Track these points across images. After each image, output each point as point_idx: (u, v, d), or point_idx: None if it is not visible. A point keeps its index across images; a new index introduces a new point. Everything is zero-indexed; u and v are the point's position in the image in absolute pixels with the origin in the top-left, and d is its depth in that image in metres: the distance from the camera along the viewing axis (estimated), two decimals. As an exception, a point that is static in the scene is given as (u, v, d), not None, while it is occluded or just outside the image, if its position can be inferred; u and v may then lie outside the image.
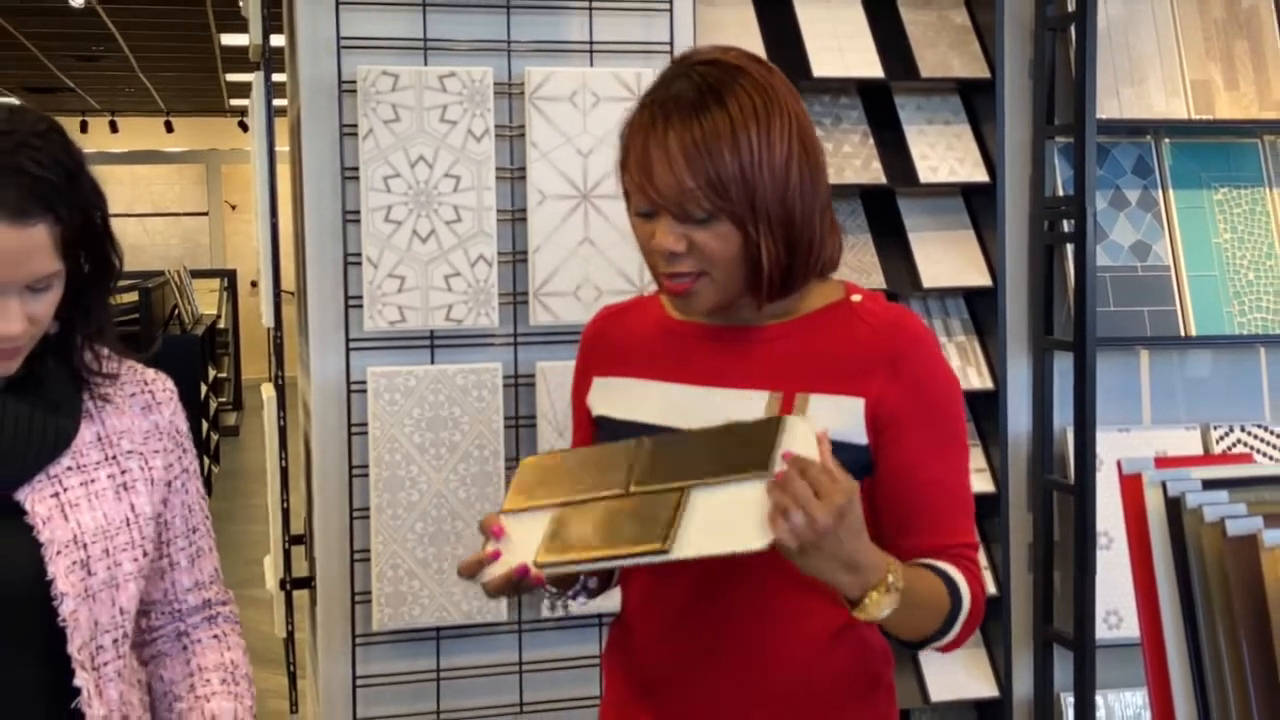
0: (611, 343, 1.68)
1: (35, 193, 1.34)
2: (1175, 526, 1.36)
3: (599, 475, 1.45)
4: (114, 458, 1.51)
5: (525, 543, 1.45)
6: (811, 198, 1.51)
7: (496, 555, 1.45)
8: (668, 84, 1.51)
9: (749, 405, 1.51)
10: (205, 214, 15.53)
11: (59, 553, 1.42)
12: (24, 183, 1.33)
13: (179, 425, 1.59)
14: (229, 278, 12.77)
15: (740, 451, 1.36)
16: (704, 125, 1.45)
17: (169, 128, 14.71)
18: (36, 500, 1.43)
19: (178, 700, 1.58)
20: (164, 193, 15.06)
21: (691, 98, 1.47)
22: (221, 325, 11.92)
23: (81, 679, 1.43)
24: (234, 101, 13.95)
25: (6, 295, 1.36)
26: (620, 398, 1.62)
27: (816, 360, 1.53)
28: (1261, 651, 1.25)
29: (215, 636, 1.63)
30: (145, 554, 1.52)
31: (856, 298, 1.58)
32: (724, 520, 1.34)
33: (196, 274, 12.43)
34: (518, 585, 1.43)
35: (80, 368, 1.50)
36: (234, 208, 15.49)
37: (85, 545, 1.44)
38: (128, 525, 1.49)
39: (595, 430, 1.64)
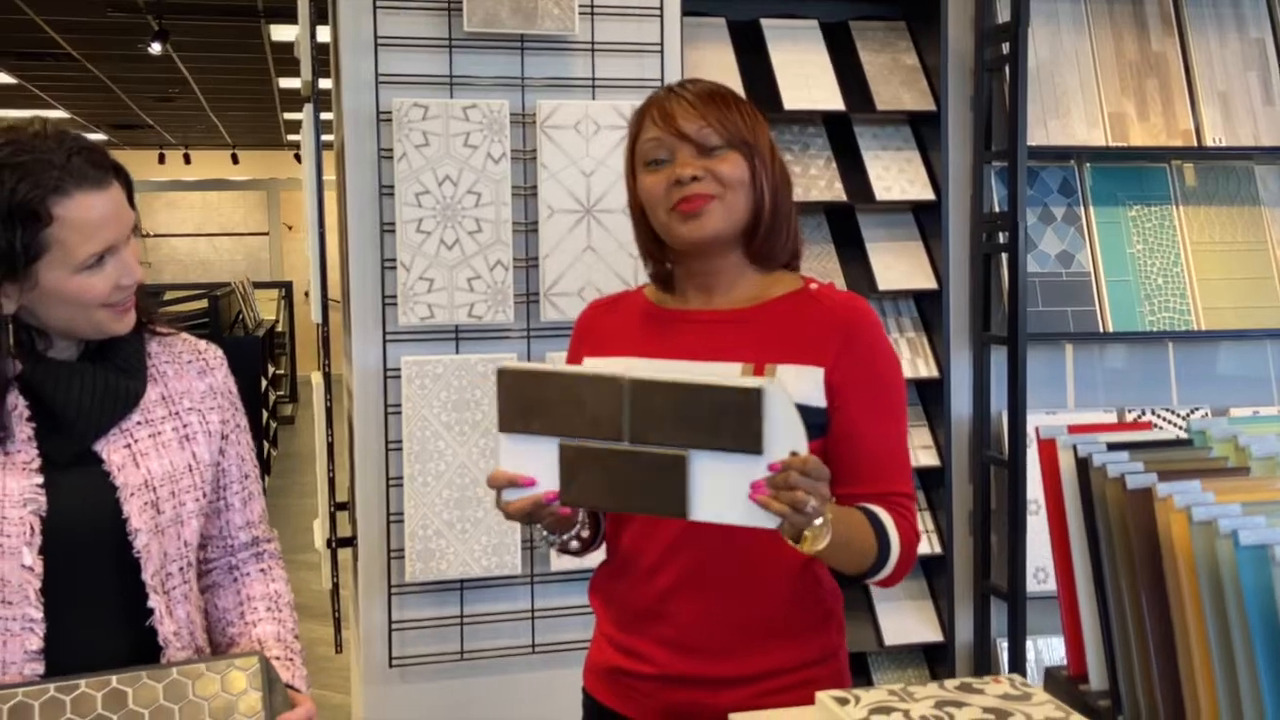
0: (600, 329, 1.67)
1: (98, 162, 1.39)
2: (1084, 482, 1.36)
3: (591, 413, 1.36)
4: (176, 413, 1.52)
5: (542, 474, 1.39)
6: (786, 192, 1.58)
7: (532, 481, 1.39)
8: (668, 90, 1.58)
9: (725, 374, 1.50)
10: (266, 234, 15.49)
11: (132, 495, 1.43)
12: (90, 159, 1.38)
13: (230, 386, 1.60)
14: (286, 288, 12.73)
15: (726, 418, 1.31)
16: (712, 89, 1.55)
17: (235, 159, 14.68)
18: (112, 450, 1.44)
19: (230, 626, 1.59)
20: (230, 215, 15.03)
21: (702, 84, 1.57)
22: (279, 329, 11.90)
23: (154, 601, 1.45)
24: (290, 136, 13.92)
25: (119, 250, 1.41)
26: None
27: (781, 337, 1.54)
28: (1156, 587, 1.25)
29: (262, 570, 1.63)
30: (204, 495, 1.53)
31: (814, 285, 1.60)
32: (730, 492, 1.32)
33: (258, 285, 12.39)
34: (534, 513, 1.40)
35: (144, 328, 1.52)
36: (290, 228, 15.45)
37: (154, 488, 1.46)
38: (189, 471, 1.50)
39: None
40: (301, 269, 14.46)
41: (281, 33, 7.74)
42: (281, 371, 11.63)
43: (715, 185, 1.51)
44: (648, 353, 1.59)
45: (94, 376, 1.44)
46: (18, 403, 1.41)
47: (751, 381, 1.31)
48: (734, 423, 1.31)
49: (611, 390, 1.35)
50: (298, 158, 14.69)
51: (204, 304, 7.64)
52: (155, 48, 7.53)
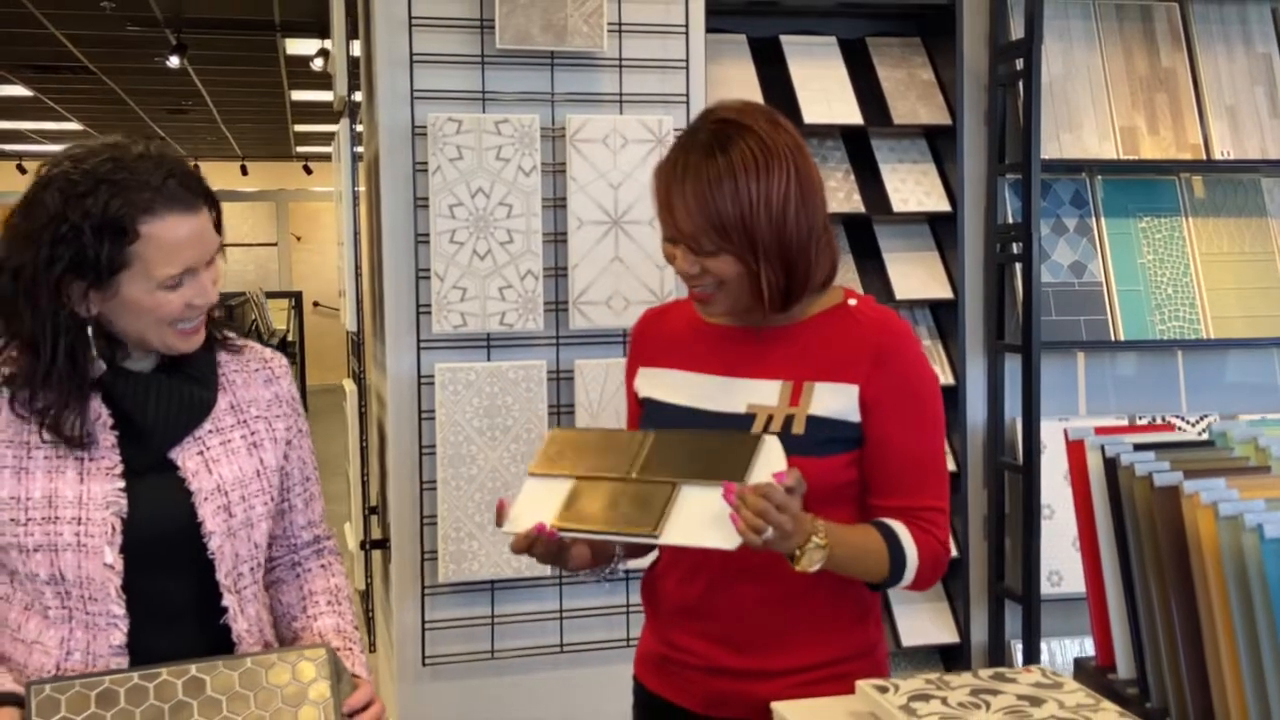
0: (653, 338, 1.73)
1: (192, 187, 1.45)
2: (1112, 481, 1.42)
3: (610, 458, 1.51)
4: (245, 421, 1.57)
5: (546, 504, 1.51)
6: (807, 232, 1.55)
7: (503, 505, 1.53)
8: (692, 134, 1.57)
9: (766, 390, 1.58)
10: (275, 244, 15.54)
11: (206, 499, 1.49)
12: (183, 182, 1.44)
13: (294, 394, 1.66)
14: (296, 298, 12.79)
15: (724, 459, 1.44)
16: (710, 175, 1.51)
17: (244, 171, 14.74)
18: (186, 458, 1.50)
19: (294, 620, 1.64)
20: (240, 226, 15.07)
21: (704, 150, 1.53)
22: (290, 338, 11.96)
23: (228, 600, 1.50)
24: (300, 148, 13.99)
25: (199, 272, 1.46)
26: (661, 384, 1.68)
27: (819, 354, 1.59)
28: (1183, 580, 1.31)
29: (323, 566, 1.69)
30: (272, 499, 1.58)
31: (852, 302, 1.64)
32: (704, 517, 1.42)
33: (269, 295, 12.47)
34: (534, 543, 1.51)
35: (215, 341, 1.58)
36: (299, 239, 15.52)
37: (226, 493, 1.51)
38: (258, 476, 1.55)
39: (642, 409, 1.70)
40: (310, 279, 14.52)
41: (297, 46, 7.81)
42: (292, 381, 11.63)
43: (713, 280, 1.55)
44: (696, 367, 1.64)
45: (170, 388, 1.49)
46: (101, 411, 1.47)
47: (754, 434, 1.45)
48: (729, 461, 1.44)
49: (636, 439, 1.50)
50: (307, 169, 14.77)
51: (220, 313, 7.68)
52: (173, 61, 7.61)
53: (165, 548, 1.47)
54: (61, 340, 1.42)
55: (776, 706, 1.46)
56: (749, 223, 1.50)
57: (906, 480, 1.59)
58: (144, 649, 1.44)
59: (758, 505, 1.37)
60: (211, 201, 1.49)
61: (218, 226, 1.51)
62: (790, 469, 1.42)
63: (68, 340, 1.42)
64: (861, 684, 1.41)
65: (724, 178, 1.50)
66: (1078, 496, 1.50)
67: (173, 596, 1.49)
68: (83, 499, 1.43)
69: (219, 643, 1.50)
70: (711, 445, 1.47)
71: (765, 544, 1.40)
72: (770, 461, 1.43)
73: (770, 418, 1.56)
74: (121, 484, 1.45)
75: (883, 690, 1.38)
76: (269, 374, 1.63)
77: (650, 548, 1.68)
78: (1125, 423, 3.09)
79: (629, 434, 1.53)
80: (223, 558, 1.50)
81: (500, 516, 1.55)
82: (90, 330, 1.44)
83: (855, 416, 1.57)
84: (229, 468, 1.52)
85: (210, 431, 1.53)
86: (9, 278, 1.41)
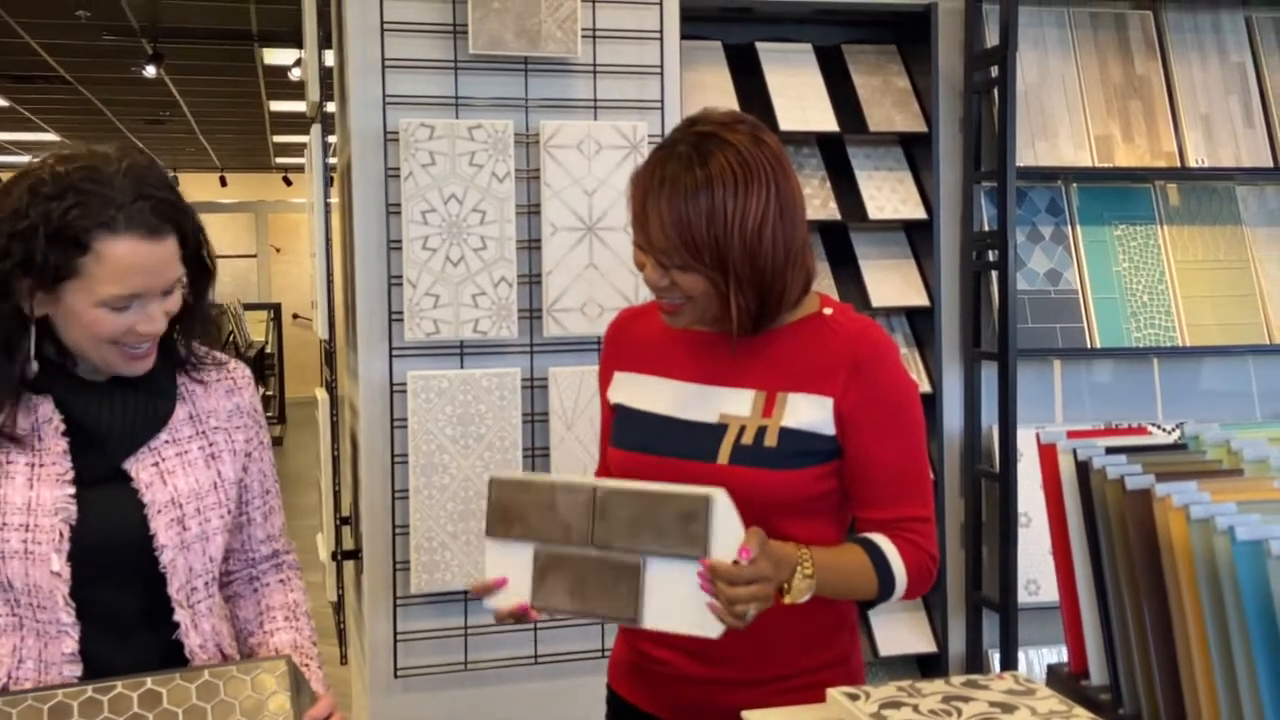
0: (628, 341, 1.70)
1: (161, 212, 1.39)
2: (1084, 485, 1.40)
3: (563, 520, 1.47)
4: (203, 433, 1.53)
5: (516, 574, 1.49)
6: (783, 254, 1.50)
7: (503, 582, 1.50)
8: (672, 144, 1.53)
9: (739, 400, 1.55)
10: (254, 256, 15.47)
11: (159, 511, 1.45)
12: (152, 205, 1.38)
13: (255, 405, 1.62)
14: (275, 310, 12.73)
15: (681, 525, 1.41)
16: (688, 188, 1.47)
17: (223, 182, 14.67)
18: (140, 469, 1.46)
19: (250, 636, 1.61)
20: (219, 238, 14.72)
21: (682, 162, 1.48)
22: (268, 350, 11.89)
23: (180, 615, 1.47)
24: (280, 159, 13.93)
25: (149, 301, 1.41)
26: (634, 390, 1.65)
27: (794, 364, 1.56)
28: (1155, 583, 1.29)
29: (281, 580, 1.66)
30: (229, 512, 1.54)
31: (828, 310, 1.61)
32: (679, 598, 1.42)
33: (247, 307, 12.39)
34: (519, 618, 1.50)
35: (178, 359, 1.53)
36: (278, 250, 15.45)
37: (180, 505, 1.47)
38: (215, 488, 1.52)
39: (614, 415, 1.67)
40: (289, 291, 14.44)
41: (274, 56, 7.78)
42: (270, 393, 11.60)
43: (679, 294, 1.52)
44: (670, 374, 1.62)
45: (124, 399, 1.46)
46: (53, 416, 1.43)
47: (701, 491, 1.41)
48: (684, 526, 1.41)
49: (584, 498, 1.46)
50: (286, 180, 14.71)
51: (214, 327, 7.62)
52: (149, 71, 7.56)
53: (115, 558, 1.44)
54: (6, 328, 1.39)
55: (747, 715, 1.43)
56: (722, 242, 1.46)
57: (889, 492, 1.56)
58: (96, 658, 1.41)
59: (732, 595, 1.36)
60: (186, 233, 1.43)
61: (195, 258, 1.46)
62: (750, 532, 1.40)
63: (2, 332, 1.39)
64: (832, 692, 1.39)
65: (700, 192, 1.46)
66: (1050, 500, 1.48)
67: (124, 608, 1.45)
68: (31, 505, 1.40)
69: (174, 656, 1.47)
70: (663, 507, 1.43)
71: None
72: (728, 524, 1.41)
73: (743, 428, 1.54)
74: (71, 491, 1.42)
75: (853, 698, 1.36)
76: (230, 384, 1.60)
77: None
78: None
79: (572, 486, 1.48)
80: (175, 571, 1.47)
81: (480, 591, 1.53)
82: (33, 329, 1.40)
83: (830, 430, 1.54)
84: (185, 480, 1.49)
85: (166, 442, 1.50)
86: None
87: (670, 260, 1.49)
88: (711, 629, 1.40)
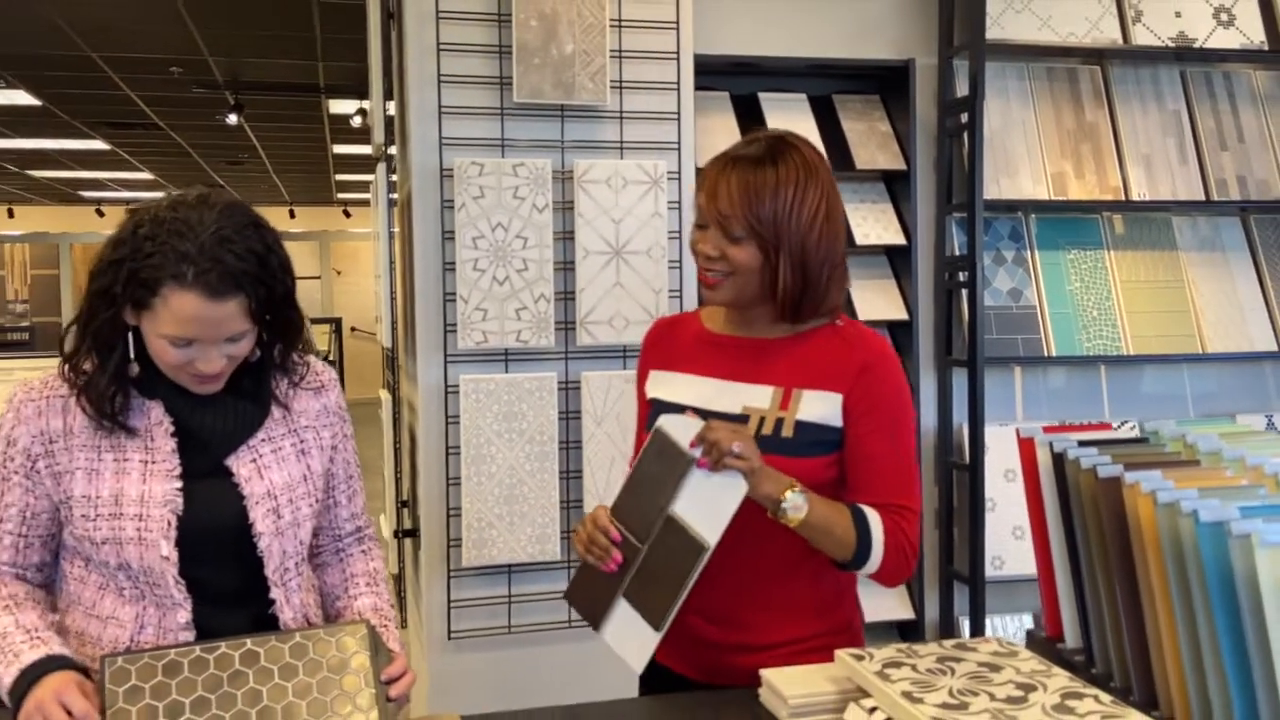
0: (664, 344, 1.69)
1: (228, 278, 1.33)
2: (1060, 474, 1.39)
3: (626, 556, 1.50)
4: (295, 431, 1.52)
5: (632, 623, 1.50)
6: (826, 253, 1.51)
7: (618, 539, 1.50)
8: (745, 144, 1.54)
9: (759, 395, 1.54)
10: (318, 278, 15.50)
11: (257, 503, 1.44)
12: (221, 270, 1.33)
13: (341, 403, 1.60)
14: (336, 324, 12.75)
15: (664, 466, 1.47)
16: (758, 174, 1.48)
17: (292, 215, 14.72)
18: (240, 465, 1.44)
19: (336, 600, 1.60)
20: (288, 262, 15.03)
21: (756, 155, 1.51)
22: (330, 359, 11.90)
23: (275, 593, 1.46)
24: (341, 195, 13.96)
25: (207, 347, 1.37)
26: (668, 386, 1.63)
27: (809, 365, 1.54)
28: (1125, 561, 1.27)
29: (363, 551, 1.64)
30: (317, 500, 1.53)
31: (839, 322, 1.59)
32: (706, 501, 1.44)
33: (313, 321, 12.41)
34: (593, 536, 1.52)
35: (269, 379, 1.50)
36: (339, 273, 15.47)
37: (275, 496, 1.46)
38: (304, 480, 1.50)
39: (650, 407, 1.65)
40: (348, 308, 14.46)
41: (338, 106, 7.79)
42: (332, 395, 11.57)
43: (727, 267, 1.50)
44: (700, 371, 1.60)
45: (225, 405, 1.45)
46: (164, 419, 1.42)
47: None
48: (665, 465, 1.48)
49: (631, 545, 1.50)
50: (346, 213, 14.73)
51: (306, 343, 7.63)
52: (231, 119, 7.57)
53: (218, 543, 1.42)
54: (110, 332, 1.38)
55: (765, 673, 1.41)
56: (780, 220, 1.47)
57: (883, 481, 1.53)
58: (206, 627, 1.40)
59: (712, 437, 1.42)
60: (257, 295, 1.36)
61: (265, 311, 1.39)
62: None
63: (103, 330, 1.38)
64: (840, 653, 1.37)
65: (768, 179, 1.47)
66: (1028, 488, 1.46)
67: (226, 586, 1.44)
68: (144, 497, 1.38)
69: (270, 626, 1.45)
70: (647, 470, 1.48)
71: (751, 477, 1.42)
72: (682, 427, 1.46)
73: (763, 418, 1.52)
74: (179, 484, 1.40)
75: (859, 658, 1.34)
76: (319, 385, 1.58)
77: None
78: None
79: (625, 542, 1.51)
80: (271, 555, 1.45)
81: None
82: (130, 336, 1.39)
83: (838, 422, 1.52)
84: (279, 474, 1.47)
85: (263, 440, 1.48)
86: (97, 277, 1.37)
87: (731, 229, 1.48)
88: (734, 498, 1.43)
